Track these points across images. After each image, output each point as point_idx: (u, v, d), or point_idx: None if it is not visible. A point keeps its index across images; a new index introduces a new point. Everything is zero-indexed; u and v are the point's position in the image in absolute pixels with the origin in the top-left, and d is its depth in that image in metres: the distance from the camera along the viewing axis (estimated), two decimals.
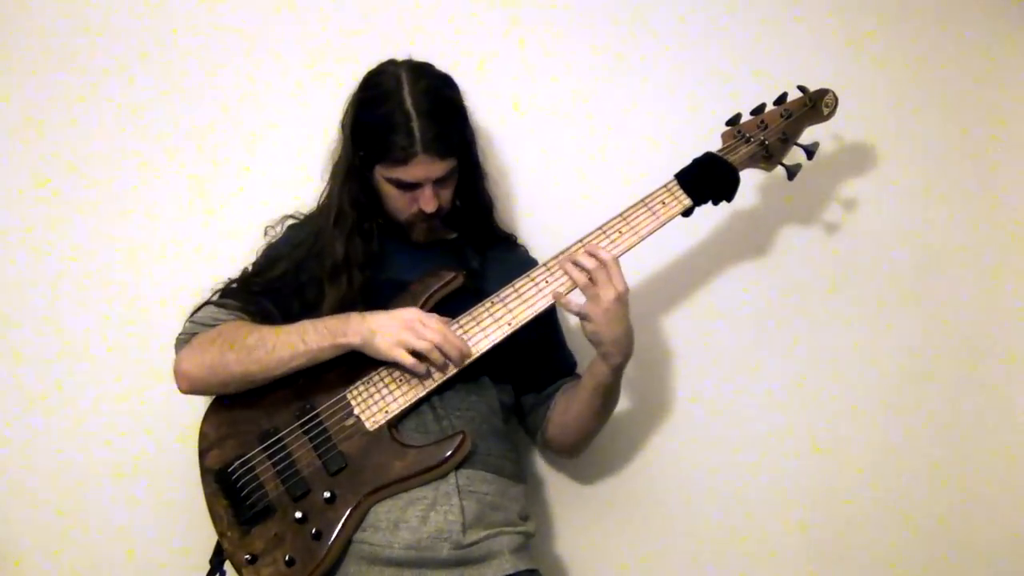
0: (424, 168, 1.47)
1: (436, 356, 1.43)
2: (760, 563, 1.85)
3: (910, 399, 1.87)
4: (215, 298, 1.57)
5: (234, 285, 1.58)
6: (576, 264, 1.46)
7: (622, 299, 1.43)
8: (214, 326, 1.52)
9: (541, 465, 1.85)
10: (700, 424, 1.86)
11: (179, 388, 1.52)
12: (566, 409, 1.60)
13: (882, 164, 1.87)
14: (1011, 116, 1.88)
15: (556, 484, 1.86)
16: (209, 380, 1.48)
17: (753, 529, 1.85)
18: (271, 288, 1.56)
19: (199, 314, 1.55)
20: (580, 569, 1.85)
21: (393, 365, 1.47)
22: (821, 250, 1.86)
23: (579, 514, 1.85)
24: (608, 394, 1.55)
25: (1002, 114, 1.88)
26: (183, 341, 1.54)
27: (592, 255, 1.45)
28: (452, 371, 1.47)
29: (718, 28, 1.86)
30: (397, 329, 1.43)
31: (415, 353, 1.42)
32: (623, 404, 1.78)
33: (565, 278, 1.49)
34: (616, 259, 1.45)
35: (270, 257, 1.60)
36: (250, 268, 1.61)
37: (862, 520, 1.85)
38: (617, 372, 1.50)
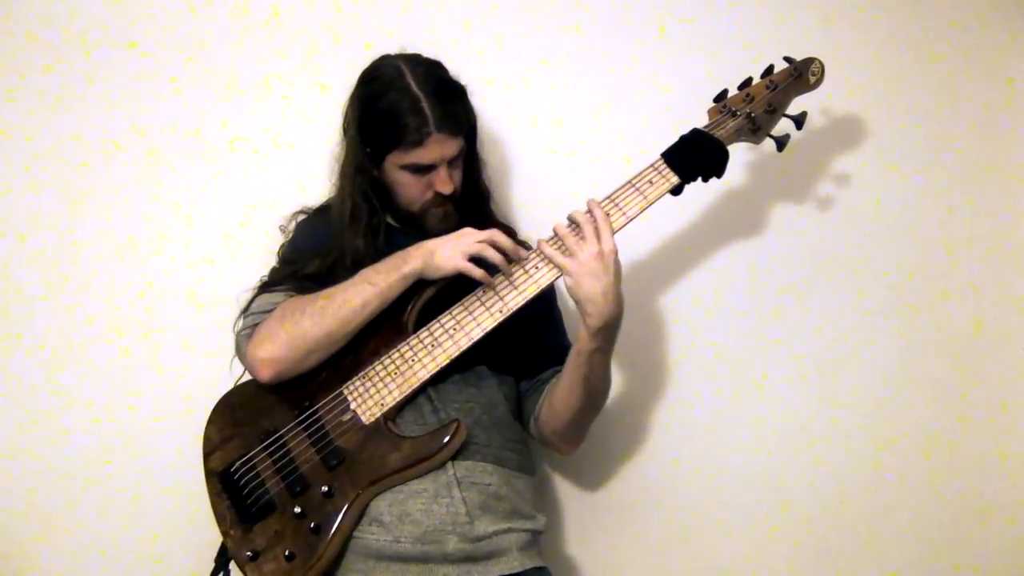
0: (439, 147, 1.49)
1: (492, 253, 1.45)
2: (764, 560, 1.83)
3: (905, 394, 1.84)
4: (262, 290, 1.57)
5: (275, 276, 1.58)
6: (570, 219, 1.45)
7: (603, 256, 1.40)
8: (273, 310, 1.51)
9: (552, 461, 1.84)
10: (704, 423, 1.84)
11: (262, 378, 1.48)
12: (553, 391, 1.56)
13: (878, 152, 1.85)
14: (1011, 96, 1.85)
15: (567, 480, 1.84)
16: (292, 356, 1.46)
17: (756, 527, 1.83)
18: (314, 279, 1.55)
19: (254, 305, 1.55)
20: (591, 567, 1.83)
21: (388, 359, 1.49)
22: (816, 242, 1.85)
23: (590, 511, 1.84)
24: (591, 369, 1.46)
25: (1002, 95, 1.85)
26: (245, 336, 1.52)
27: (589, 210, 1.44)
28: (444, 360, 1.47)
29: (706, 5, 1.86)
30: (455, 240, 1.46)
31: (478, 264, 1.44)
32: (628, 401, 1.80)
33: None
34: (607, 217, 1.43)
35: (298, 251, 1.60)
36: (278, 265, 1.61)
37: (861, 520, 1.83)
38: (597, 338, 1.42)
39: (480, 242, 1.46)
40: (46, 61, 1.80)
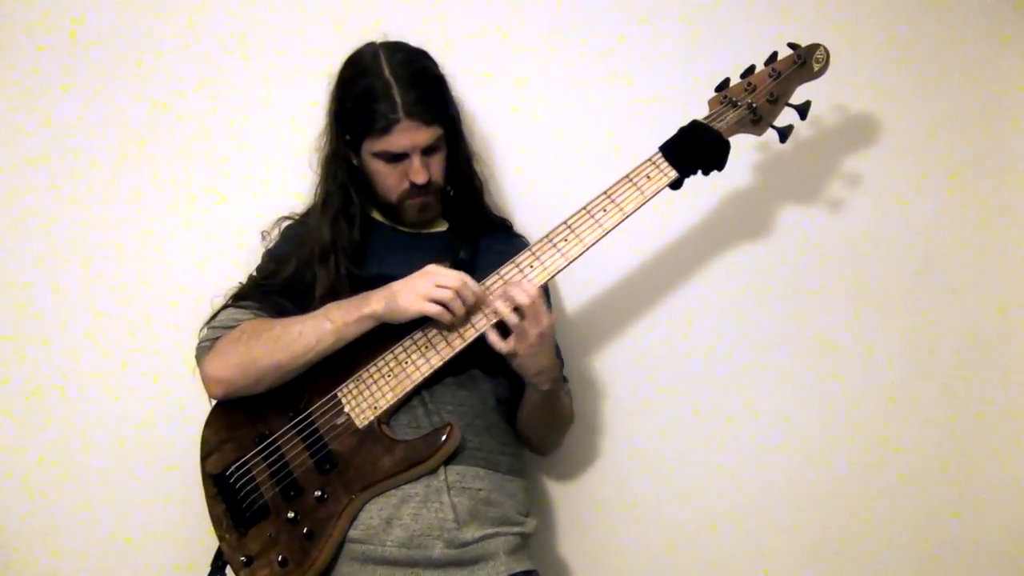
0: (409, 135, 1.47)
1: (458, 305, 1.40)
2: (760, 562, 1.81)
3: (908, 396, 1.80)
4: (231, 301, 1.57)
5: (247, 288, 1.58)
6: (507, 299, 1.42)
7: (546, 334, 1.43)
8: (235, 327, 1.51)
9: (544, 462, 1.82)
10: (701, 423, 1.82)
11: (211, 394, 1.50)
12: (521, 417, 1.59)
13: (881, 146, 1.79)
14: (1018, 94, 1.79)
15: (559, 481, 1.83)
16: (240, 380, 1.46)
17: (752, 528, 1.81)
18: (285, 287, 1.55)
19: (218, 318, 1.54)
20: (582, 568, 1.82)
21: (382, 361, 1.47)
22: (818, 242, 1.80)
23: (582, 512, 1.82)
24: (547, 411, 1.56)
25: (1011, 96, 1.79)
26: (205, 348, 1.52)
27: (524, 291, 1.41)
28: (437, 361, 1.45)
29: None
30: (416, 282, 1.41)
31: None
32: (622, 402, 1.80)
33: (553, 260, 1.45)
34: (540, 293, 1.42)
35: (276, 257, 1.59)
36: (255, 273, 1.61)
37: (860, 520, 1.80)
38: (549, 395, 1.51)
39: (443, 287, 1.40)
40: (34, 58, 1.79)
